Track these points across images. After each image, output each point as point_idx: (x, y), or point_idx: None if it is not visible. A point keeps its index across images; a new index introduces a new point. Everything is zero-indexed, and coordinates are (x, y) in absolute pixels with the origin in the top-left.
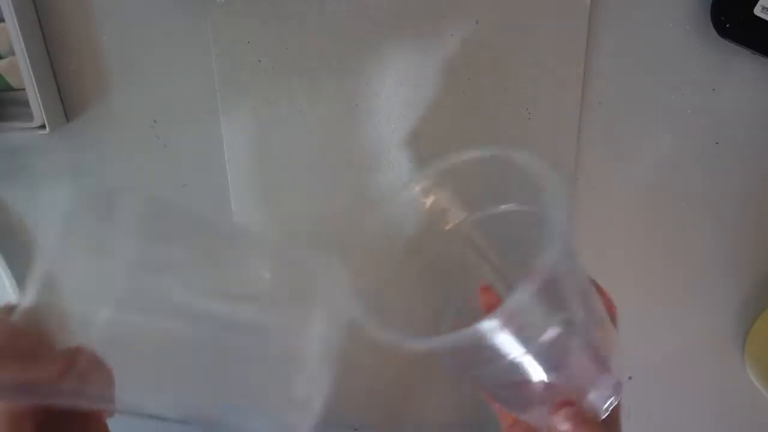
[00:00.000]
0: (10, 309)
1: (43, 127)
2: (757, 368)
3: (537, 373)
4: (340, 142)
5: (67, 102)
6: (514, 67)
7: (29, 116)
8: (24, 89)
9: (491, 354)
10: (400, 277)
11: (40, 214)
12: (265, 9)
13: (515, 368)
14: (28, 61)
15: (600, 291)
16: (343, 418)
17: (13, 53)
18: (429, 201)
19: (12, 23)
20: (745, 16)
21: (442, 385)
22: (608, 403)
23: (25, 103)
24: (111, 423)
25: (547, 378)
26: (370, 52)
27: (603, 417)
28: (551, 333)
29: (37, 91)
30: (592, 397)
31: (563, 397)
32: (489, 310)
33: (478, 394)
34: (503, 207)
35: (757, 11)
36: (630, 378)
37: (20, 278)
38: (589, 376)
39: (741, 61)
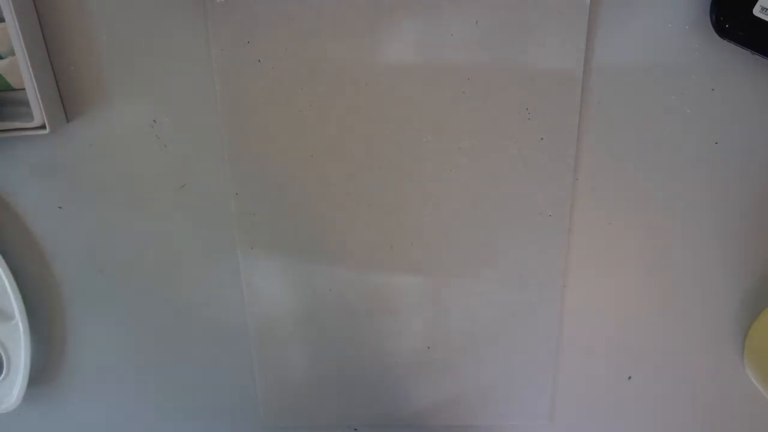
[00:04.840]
0: None
1: (43, 127)
2: (757, 368)
3: None
4: (340, 143)
5: (67, 102)
6: (514, 67)
7: (29, 116)
8: (24, 89)
9: None
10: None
11: (40, 214)
12: (265, 9)
13: None
14: (28, 61)
15: None
16: (343, 418)
17: (13, 53)
18: None
19: (12, 23)
20: (744, 16)
21: (442, 386)
22: None
23: (25, 103)
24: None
25: None
26: (370, 52)
27: None
28: None
29: (37, 91)
30: None
31: None
32: None
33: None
34: None
35: (757, 12)
36: (630, 378)
37: (20, 278)
38: None
39: (741, 61)
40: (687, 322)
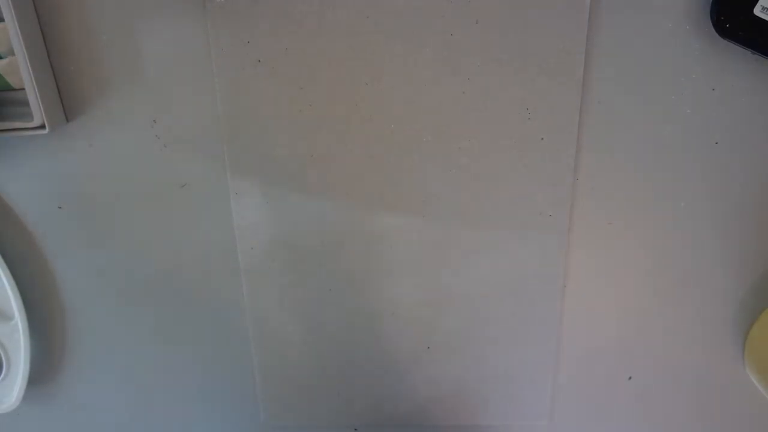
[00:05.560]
0: None
1: (43, 127)
2: (757, 368)
3: None
4: (340, 143)
5: (67, 102)
6: (514, 67)
7: (29, 116)
8: (24, 89)
9: None
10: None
11: (40, 214)
12: (265, 9)
13: None
14: (28, 61)
15: None
16: (343, 418)
17: (13, 53)
18: None
19: (12, 23)
20: (745, 16)
21: (442, 386)
22: None
23: (25, 103)
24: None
25: None
26: (370, 53)
27: None
28: None
29: (37, 91)
30: None
31: None
32: None
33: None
34: None
35: (757, 11)
36: (630, 378)
37: (20, 278)
38: None
39: (741, 61)
40: (687, 323)
